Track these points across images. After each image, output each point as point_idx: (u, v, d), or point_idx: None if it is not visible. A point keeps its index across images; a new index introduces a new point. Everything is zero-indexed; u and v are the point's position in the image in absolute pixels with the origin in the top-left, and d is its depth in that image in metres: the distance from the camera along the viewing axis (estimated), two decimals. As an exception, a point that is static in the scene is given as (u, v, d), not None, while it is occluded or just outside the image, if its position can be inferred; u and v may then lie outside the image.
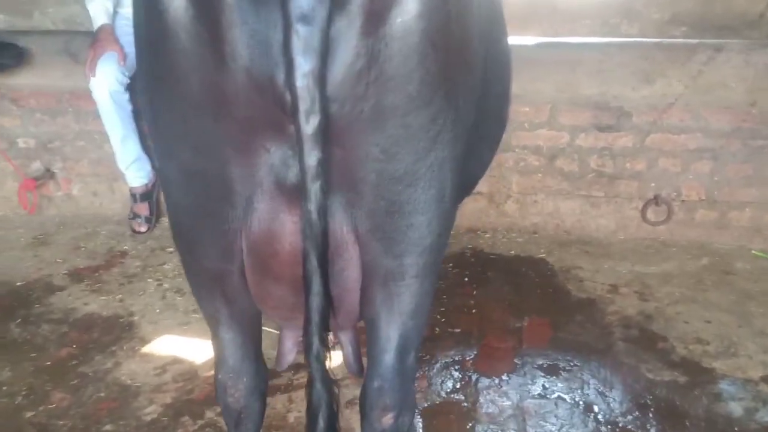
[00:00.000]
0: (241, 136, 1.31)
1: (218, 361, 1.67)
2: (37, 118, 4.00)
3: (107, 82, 3.53)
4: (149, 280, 3.43)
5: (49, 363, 2.76)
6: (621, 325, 3.02)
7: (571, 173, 3.77)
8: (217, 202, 1.40)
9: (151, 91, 1.40)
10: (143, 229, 3.91)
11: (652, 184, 3.72)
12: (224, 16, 1.20)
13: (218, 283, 1.53)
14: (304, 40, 1.16)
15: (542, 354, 2.82)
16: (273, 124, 1.28)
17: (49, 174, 4.09)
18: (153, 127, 1.45)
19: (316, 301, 1.34)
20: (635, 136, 3.65)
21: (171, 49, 1.27)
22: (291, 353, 1.91)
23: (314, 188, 1.27)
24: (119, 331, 2.99)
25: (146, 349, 2.87)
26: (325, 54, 1.18)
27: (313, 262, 1.32)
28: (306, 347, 1.38)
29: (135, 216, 3.92)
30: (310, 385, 1.42)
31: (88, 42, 3.62)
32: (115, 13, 3.68)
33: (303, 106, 1.20)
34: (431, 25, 1.22)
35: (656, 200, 3.72)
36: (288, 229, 1.38)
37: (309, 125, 1.22)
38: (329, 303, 1.36)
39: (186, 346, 2.88)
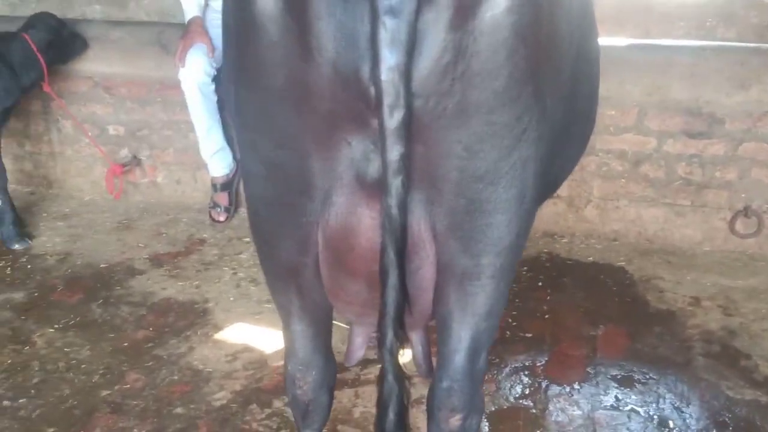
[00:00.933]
0: (324, 129, 1.31)
1: (288, 353, 1.68)
2: (128, 106, 4.13)
3: (195, 73, 3.62)
4: (225, 268, 3.49)
5: (126, 344, 2.85)
6: (702, 340, 2.89)
7: (656, 180, 3.63)
8: (296, 194, 1.40)
9: (237, 83, 1.42)
10: (222, 218, 3.98)
11: (743, 195, 3.55)
12: (312, 7, 1.19)
13: (293, 275, 1.53)
14: (391, 32, 1.15)
15: (617, 364, 2.73)
16: (356, 117, 1.27)
17: (135, 161, 4.22)
18: (236, 119, 1.47)
19: (392, 295, 1.33)
20: (727, 144, 3.49)
21: (258, 41, 1.28)
22: (360, 349, 1.91)
23: (395, 183, 1.25)
24: (194, 317, 3.06)
25: (219, 335, 2.92)
26: (411, 47, 1.17)
27: (391, 256, 1.30)
28: (380, 341, 1.37)
29: (215, 205, 4.00)
30: (381, 379, 1.41)
31: (179, 34, 3.73)
32: (207, 5, 3.77)
33: (387, 99, 1.19)
34: (521, 20, 1.18)
35: (746, 212, 3.54)
36: (366, 223, 1.37)
37: (392, 119, 1.20)
38: (405, 297, 1.35)
39: (257, 335, 2.92)
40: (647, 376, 2.65)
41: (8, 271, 3.43)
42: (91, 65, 4.05)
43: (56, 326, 2.97)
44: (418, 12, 1.15)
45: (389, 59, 1.16)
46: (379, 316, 1.36)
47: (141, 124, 4.17)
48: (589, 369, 2.70)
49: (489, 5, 1.15)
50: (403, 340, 1.38)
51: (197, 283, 3.35)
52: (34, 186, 4.44)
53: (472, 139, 1.27)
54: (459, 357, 1.50)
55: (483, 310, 1.47)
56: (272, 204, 1.46)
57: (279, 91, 1.30)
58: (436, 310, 1.50)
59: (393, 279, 1.32)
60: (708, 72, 3.47)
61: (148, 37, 4.03)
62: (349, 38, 1.20)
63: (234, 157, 3.96)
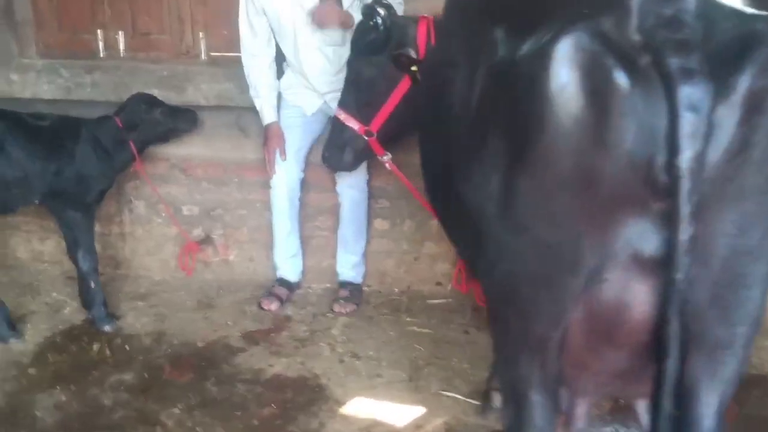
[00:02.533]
0: (603, 212, 1.46)
1: (522, 424, 1.77)
2: (203, 187, 4.24)
3: (289, 182, 3.80)
4: (321, 344, 3.56)
5: (256, 422, 2.90)
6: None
7: None
8: (563, 272, 1.54)
9: (505, 170, 1.56)
10: (273, 307, 3.91)
11: None
12: (617, 107, 1.37)
13: (541, 348, 1.65)
14: (691, 126, 1.33)
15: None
16: (637, 201, 1.43)
17: (208, 240, 4.30)
18: (504, 202, 1.60)
19: (672, 365, 1.46)
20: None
21: (548, 134, 1.44)
22: (581, 419, 2.00)
23: (684, 261, 1.41)
24: (311, 393, 3.12)
25: (344, 411, 2.99)
26: (707, 139, 1.34)
27: (675, 328, 1.45)
28: (656, 409, 1.50)
29: (270, 294, 3.97)
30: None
31: (257, 118, 3.89)
32: (281, 99, 3.90)
33: (685, 186, 1.36)
34: None
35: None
36: (640, 298, 1.51)
37: (688, 205, 1.37)
38: (682, 367, 1.48)
39: (382, 410, 2.99)
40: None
41: (107, 352, 3.45)
42: (169, 147, 4.16)
43: (179, 406, 3.00)
44: (713, 108, 1.33)
45: (688, 150, 1.34)
46: (656, 385, 1.49)
47: (215, 203, 4.27)
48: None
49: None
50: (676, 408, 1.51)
51: (300, 359, 3.41)
52: (101, 267, 4.45)
53: (744, 218, 1.45)
54: (708, 422, 1.62)
55: (730, 376, 1.61)
56: (535, 281, 1.60)
57: (563, 177, 1.46)
58: (683, 377, 1.63)
59: (675, 350, 1.46)
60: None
61: (225, 120, 4.17)
62: (646, 131, 1.38)
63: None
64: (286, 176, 3.80)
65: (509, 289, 1.66)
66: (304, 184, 3.94)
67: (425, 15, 3.21)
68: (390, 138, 3.33)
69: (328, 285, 4.19)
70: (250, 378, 3.23)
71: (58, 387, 3.13)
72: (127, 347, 3.50)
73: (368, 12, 3.12)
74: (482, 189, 1.64)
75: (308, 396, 3.09)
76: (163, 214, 4.30)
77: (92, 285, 3.65)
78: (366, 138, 3.29)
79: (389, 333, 3.67)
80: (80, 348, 3.50)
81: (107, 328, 3.66)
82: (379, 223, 4.16)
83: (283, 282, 4.04)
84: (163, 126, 3.74)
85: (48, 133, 3.49)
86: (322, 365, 3.35)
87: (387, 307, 3.98)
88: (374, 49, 3.15)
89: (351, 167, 3.51)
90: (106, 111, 4.08)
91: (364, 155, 3.44)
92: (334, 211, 4.11)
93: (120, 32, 4.69)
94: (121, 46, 4.71)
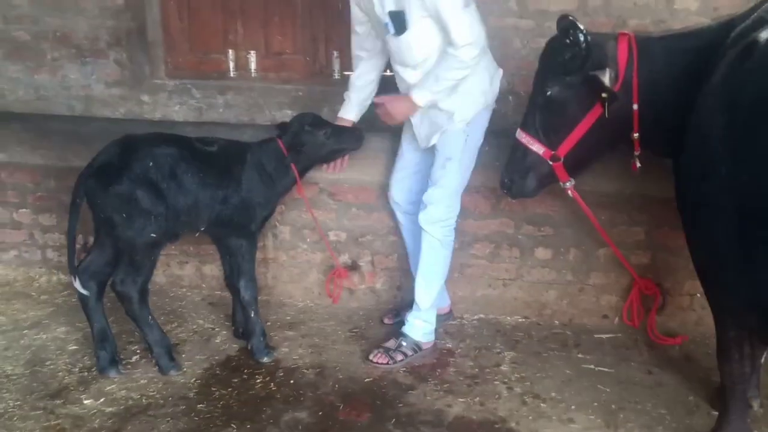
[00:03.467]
0: None
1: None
2: (353, 212, 4.07)
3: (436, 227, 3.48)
4: (495, 383, 3.33)
5: (456, 469, 2.67)
6: None
7: None
8: None
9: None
10: (382, 361, 3.48)
11: None
12: None
13: None
14: None
15: None
16: None
17: (355, 266, 4.13)
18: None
19: None
20: None
21: None
22: None
23: None
24: (504, 438, 2.89)
25: (548, 459, 2.74)
26: None
27: None
28: None
29: (387, 350, 3.54)
30: None
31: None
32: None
33: None
34: None
35: None
36: None
37: None
38: None
39: (588, 459, 2.74)
40: None
41: (272, 386, 3.29)
42: (317, 172, 4.01)
43: (368, 450, 2.81)
44: None
45: None
46: None
47: (365, 229, 4.09)
48: None
49: None
50: None
51: (478, 398, 3.18)
52: (242, 293, 4.34)
53: None
54: None
55: None
56: None
57: None
58: None
59: None
60: None
61: (379, 146, 3.99)
62: None
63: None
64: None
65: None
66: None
67: (625, 31, 3.00)
68: (575, 164, 3.11)
69: (482, 315, 3.98)
70: (432, 420, 3.01)
71: (233, 425, 2.97)
72: (292, 381, 3.33)
73: (566, 26, 2.90)
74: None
75: (502, 442, 2.86)
76: (308, 240, 4.16)
77: (252, 315, 3.50)
78: (551, 163, 3.07)
79: (565, 371, 3.41)
80: (242, 381, 3.34)
81: (265, 359, 3.50)
82: (541, 252, 3.92)
83: (406, 335, 3.59)
84: (328, 147, 3.57)
85: (216, 159, 3.37)
86: (504, 407, 3.12)
87: (552, 341, 3.73)
88: (570, 69, 2.93)
89: (533, 193, 3.28)
90: (239, 132, 3.99)
91: (547, 181, 3.21)
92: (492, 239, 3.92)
93: (252, 52, 4.63)
94: (253, 66, 4.64)
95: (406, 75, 3.34)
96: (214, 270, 4.29)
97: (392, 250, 4.10)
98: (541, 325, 3.90)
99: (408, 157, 3.68)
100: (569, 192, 3.19)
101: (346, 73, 4.40)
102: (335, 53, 4.58)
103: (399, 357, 3.47)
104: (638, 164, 3.06)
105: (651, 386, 3.27)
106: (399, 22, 3.17)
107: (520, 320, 3.95)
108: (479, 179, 3.70)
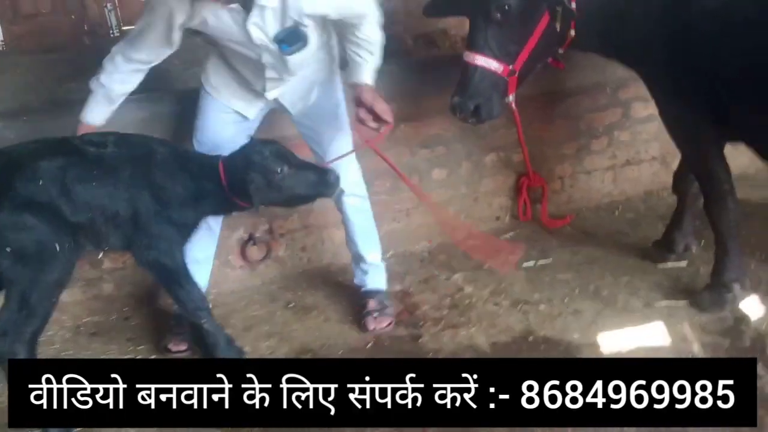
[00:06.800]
0: None
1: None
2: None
3: None
4: (479, 303, 3.40)
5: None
6: None
7: None
8: None
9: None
10: (384, 323, 3.31)
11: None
12: None
13: None
14: None
15: None
16: None
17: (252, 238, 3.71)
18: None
19: None
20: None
21: None
22: None
23: None
24: None
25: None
26: None
27: None
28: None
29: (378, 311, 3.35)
30: None
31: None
32: None
33: None
34: None
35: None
36: None
37: None
38: None
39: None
40: None
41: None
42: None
43: None
44: None
45: None
46: None
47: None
48: None
49: None
50: None
51: (484, 322, 3.23)
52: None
53: None
54: None
55: None
56: None
57: None
58: None
59: None
60: None
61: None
62: None
63: None
64: None
65: None
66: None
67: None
68: (521, 77, 3.17)
69: (393, 251, 3.92)
70: (470, 354, 2.98)
71: None
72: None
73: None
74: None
75: None
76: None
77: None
78: (506, 78, 3.11)
79: (519, 273, 3.62)
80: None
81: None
82: (437, 173, 3.98)
83: None
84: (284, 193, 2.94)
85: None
86: (510, 320, 3.22)
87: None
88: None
89: (501, 113, 3.24)
90: None
91: (502, 98, 3.21)
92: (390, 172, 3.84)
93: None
94: None
95: (280, 81, 3.01)
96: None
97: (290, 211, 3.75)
98: (451, 242, 3.97)
99: None
100: (512, 105, 3.24)
101: (126, 28, 3.77)
102: (108, 6, 3.89)
103: (390, 311, 3.31)
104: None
105: (586, 263, 3.67)
106: (294, 38, 2.80)
107: (432, 246, 4.02)
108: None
